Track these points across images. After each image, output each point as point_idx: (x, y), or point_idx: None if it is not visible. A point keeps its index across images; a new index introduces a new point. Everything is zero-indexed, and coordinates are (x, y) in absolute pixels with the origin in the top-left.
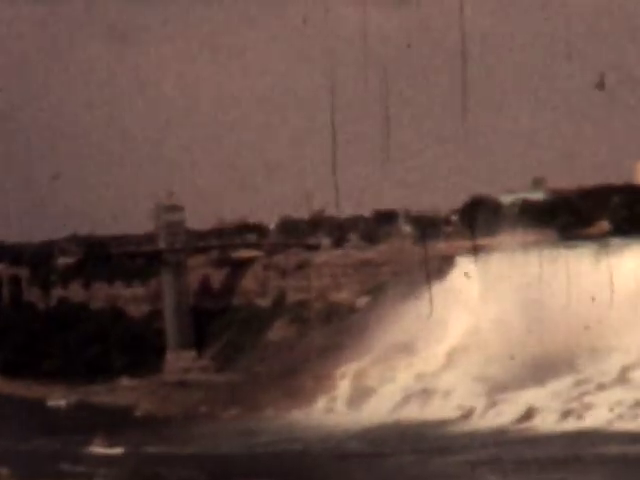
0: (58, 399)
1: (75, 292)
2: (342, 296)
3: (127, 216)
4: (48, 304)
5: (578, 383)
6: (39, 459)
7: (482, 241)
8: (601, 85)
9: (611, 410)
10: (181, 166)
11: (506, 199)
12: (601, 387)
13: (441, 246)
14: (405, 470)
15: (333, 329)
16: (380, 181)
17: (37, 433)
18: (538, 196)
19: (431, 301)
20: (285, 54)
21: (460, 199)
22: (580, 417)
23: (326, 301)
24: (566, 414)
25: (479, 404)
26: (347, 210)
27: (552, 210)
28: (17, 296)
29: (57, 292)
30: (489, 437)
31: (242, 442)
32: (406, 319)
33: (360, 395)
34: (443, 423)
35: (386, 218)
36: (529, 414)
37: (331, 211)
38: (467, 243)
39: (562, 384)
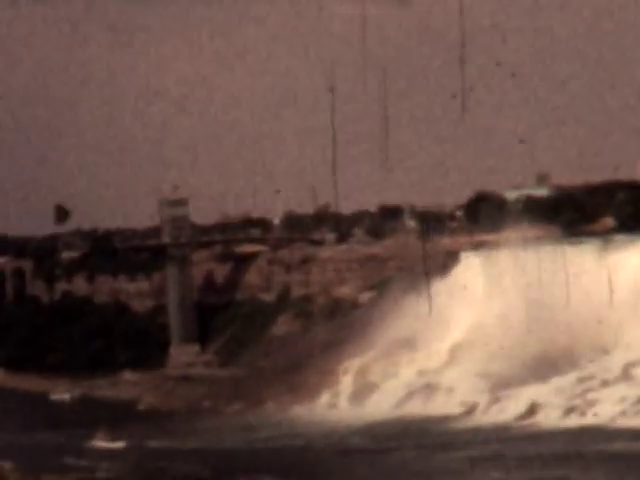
0: (62, 393)
1: (79, 286)
2: (346, 291)
3: (131, 210)
4: (52, 298)
5: (581, 380)
6: (42, 453)
7: (486, 237)
8: None
9: (615, 406)
10: (185, 161)
11: (510, 195)
12: (605, 384)
13: (445, 241)
14: (408, 466)
15: (337, 324)
16: (379, 179)
17: (40, 427)
18: (542, 192)
19: (430, 299)
20: (286, 53)
21: (458, 197)
22: (583, 414)
23: (330, 296)
24: (569, 410)
25: (482, 400)
26: (346, 208)
27: (556, 206)
28: (21, 290)
29: (61, 286)
30: (492, 433)
31: (245, 437)
32: (410, 315)
33: (363, 391)
34: (446, 419)
35: (391, 213)
36: (532, 410)
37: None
38: (471, 239)
39: (565, 380)
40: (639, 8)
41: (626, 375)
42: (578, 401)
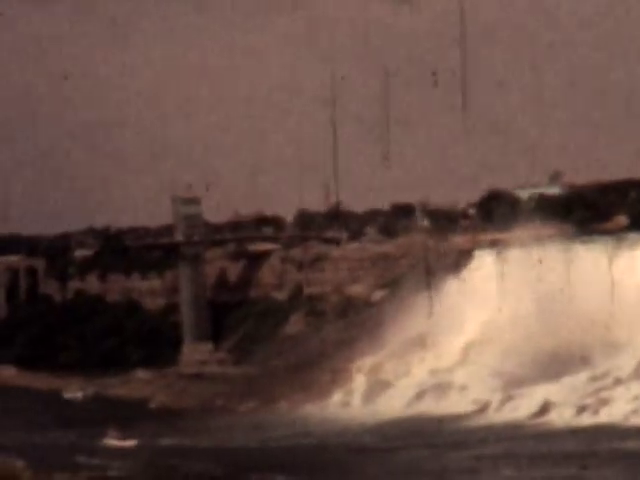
0: (74, 391)
1: (92, 284)
2: (358, 290)
3: (144, 208)
4: (65, 296)
5: (594, 378)
6: (55, 451)
7: (499, 235)
8: None
9: (628, 405)
10: (198, 159)
11: (523, 193)
12: (617, 382)
13: (458, 240)
14: (420, 464)
15: (349, 323)
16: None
17: (53, 425)
18: (555, 190)
19: (442, 297)
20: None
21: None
22: (596, 412)
23: (342, 295)
24: (582, 409)
25: (494, 399)
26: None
27: (569, 205)
28: (34, 288)
29: (74, 284)
30: (504, 432)
31: (257, 435)
32: (422, 313)
33: (375, 389)
34: (458, 417)
35: (403, 212)
36: (545, 409)
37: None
38: (484, 237)
39: (578, 379)
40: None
41: (639, 373)
42: (591, 399)
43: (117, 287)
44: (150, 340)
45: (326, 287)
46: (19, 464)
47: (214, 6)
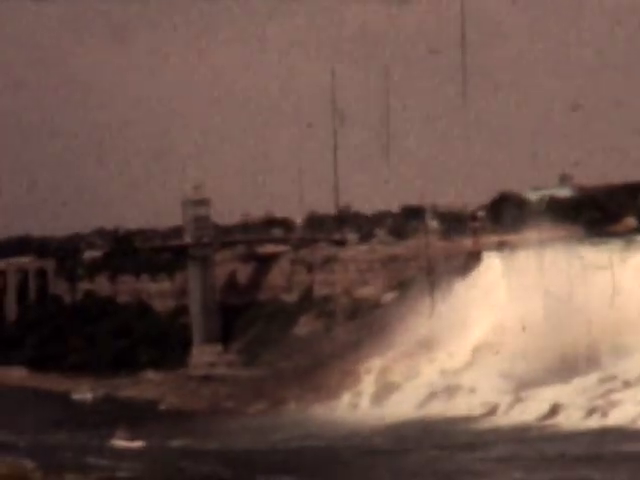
0: (84, 393)
1: (101, 286)
2: (368, 291)
3: (153, 210)
4: (74, 298)
5: (603, 381)
6: (64, 452)
7: (508, 237)
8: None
9: (637, 407)
10: (207, 161)
11: (533, 195)
12: (626, 384)
13: (467, 242)
14: (429, 466)
15: (358, 324)
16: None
17: (63, 427)
18: (565, 193)
19: (451, 299)
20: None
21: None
22: (605, 414)
23: (352, 296)
24: (591, 411)
25: (504, 401)
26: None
27: (579, 207)
28: (43, 289)
29: (83, 286)
30: (513, 434)
31: (266, 437)
32: (432, 315)
33: (384, 391)
34: (467, 420)
35: (413, 214)
36: (554, 411)
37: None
38: (494, 239)
39: (587, 381)
40: None
41: None
42: (600, 402)
43: (127, 289)
44: (160, 342)
45: (335, 289)
46: (29, 464)
47: (216, 8)
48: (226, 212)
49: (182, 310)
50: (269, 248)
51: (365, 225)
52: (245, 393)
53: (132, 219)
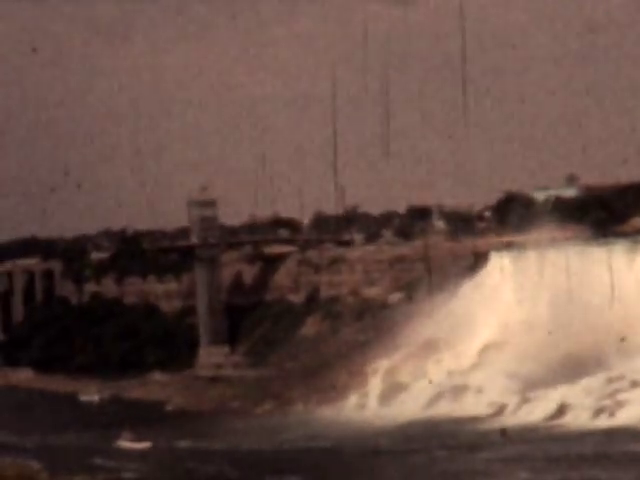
0: (91, 394)
1: (108, 287)
2: (375, 292)
3: (160, 211)
4: (81, 299)
5: (610, 380)
6: (71, 454)
7: (515, 237)
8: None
9: None
10: (213, 162)
11: (539, 195)
12: (634, 384)
13: (474, 242)
14: (436, 467)
15: (365, 325)
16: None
17: (70, 428)
18: (571, 193)
19: (458, 299)
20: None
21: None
22: (612, 414)
23: (359, 297)
24: (598, 411)
25: (511, 401)
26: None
27: (585, 207)
28: (50, 291)
29: (90, 287)
30: (521, 434)
31: (273, 438)
32: (438, 315)
33: (392, 391)
34: (475, 420)
35: (420, 214)
36: (561, 411)
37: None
38: (500, 239)
39: (594, 381)
40: None
41: None
42: (607, 402)
43: (133, 290)
44: (166, 343)
45: (342, 289)
46: (36, 466)
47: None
48: (233, 213)
49: (189, 311)
50: (276, 249)
51: (372, 226)
52: (252, 394)
53: (139, 220)
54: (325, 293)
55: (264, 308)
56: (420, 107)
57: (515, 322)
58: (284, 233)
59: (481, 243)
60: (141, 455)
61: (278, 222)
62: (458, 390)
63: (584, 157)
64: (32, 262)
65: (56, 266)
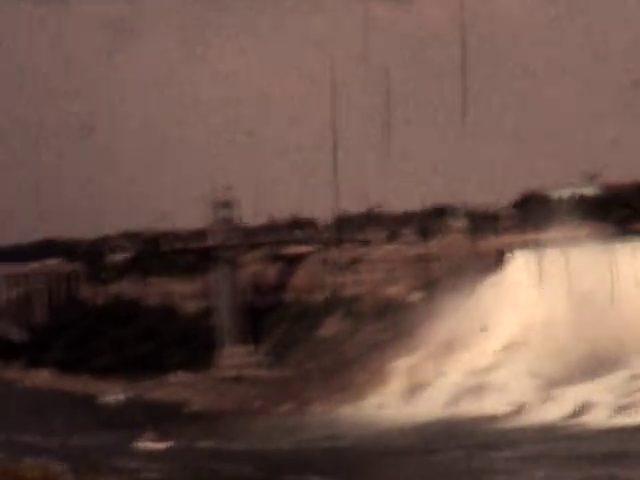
0: (112, 395)
1: (129, 288)
2: (395, 291)
3: (180, 212)
4: (102, 300)
5: (631, 379)
6: (93, 454)
7: (536, 236)
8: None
9: None
10: (234, 162)
11: (560, 194)
12: None
13: (495, 241)
14: (455, 466)
15: (386, 324)
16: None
17: (91, 429)
18: (592, 190)
19: (479, 298)
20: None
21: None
22: (633, 413)
23: (379, 296)
24: (619, 410)
25: (531, 399)
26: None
27: (606, 205)
28: (71, 292)
29: (111, 288)
30: (541, 432)
31: (294, 437)
32: (459, 314)
33: (412, 390)
34: (495, 419)
35: (440, 213)
36: (582, 409)
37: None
38: (521, 238)
39: (615, 379)
40: None
41: None
42: (628, 400)
43: (154, 291)
44: (187, 343)
45: (362, 289)
46: (61, 467)
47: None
48: (253, 213)
49: (209, 312)
50: (295, 249)
51: (392, 225)
52: (272, 394)
53: (159, 221)
54: (345, 293)
55: (284, 308)
56: (433, 105)
57: (536, 321)
58: (304, 233)
59: (502, 242)
60: (163, 455)
61: (297, 222)
62: (478, 389)
63: (605, 155)
64: (54, 263)
65: (78, 268)
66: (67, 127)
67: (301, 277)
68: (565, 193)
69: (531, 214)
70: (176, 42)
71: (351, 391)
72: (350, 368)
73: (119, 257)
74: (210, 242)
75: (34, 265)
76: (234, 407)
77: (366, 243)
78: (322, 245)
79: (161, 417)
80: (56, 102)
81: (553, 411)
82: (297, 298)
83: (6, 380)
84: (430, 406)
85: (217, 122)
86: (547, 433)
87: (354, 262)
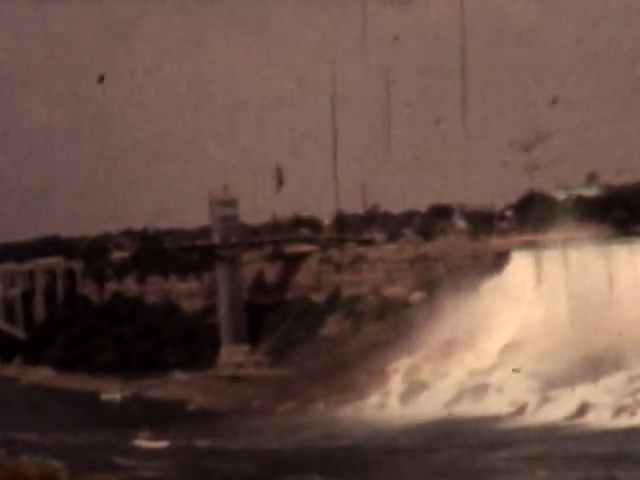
0: (112, 393)
1: (129, 286)
2: (396, 291)
3: (181, 210)
4: (102, 298)
5: (631, 379)
6: (91, 452)
7: (536, 237)
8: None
9: None
10: (234, 161)
11: (560, 195)
12: None
13: (495, 242)
14: (456, 465)
15: (387, 324)
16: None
17: (91, 427)
18: (592, 192)
19: (479, 299)
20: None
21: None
22: (633, 413)
23: (380, 296)
24: (619, 410)
25: (532, 400)
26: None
27: (606, 206)
28: (71, 290)
29: (111, 286)
30: (541, 433)
31: (294, 437)
32: (459, 315)
33: (413, 390)
34: (496, 419)
35: (441, 213)
36: (582, 410)
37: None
38: (521, 239)
39: (615, 380)
40: None
41: None
42: (628, 401)
43: (155, 289)
44: (188, 342)
45: (363, 289)
46: (57, 465)
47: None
48: (254, 212)
49: (210, 310)
50: (297, 248)
51: (393, 225)
52: (273, 393)
53: (160, 219)
54: (346, 292)
55: (285, 307)
56: (433, 105)
57: (536, 321)
58: (305, 232)
59: (502, 242)
60: (161, 454)
61: (299, 221)
62: (479, 389)
63: (604, 156)
64: (54, 261)
65: (78, 265)
66: (68, 127)
67: (303, 276)
68: (565, 194)
69: (531, 215)
70: (176, 43)
71: (352, 391)
72: (351, 368)
73: (120, 255)
74: (211, 240)
75: (34, 263)
76: (234, 406)
77: (367, 243)
78: (324, 244)
79: (160, 415)
80: (56, 102)
81: (554, 412)
82: (299, 297)
83: (5, 377)
84: (431, 406)
85: (218, 122)
86: (548, 433)
87: (355, 262)
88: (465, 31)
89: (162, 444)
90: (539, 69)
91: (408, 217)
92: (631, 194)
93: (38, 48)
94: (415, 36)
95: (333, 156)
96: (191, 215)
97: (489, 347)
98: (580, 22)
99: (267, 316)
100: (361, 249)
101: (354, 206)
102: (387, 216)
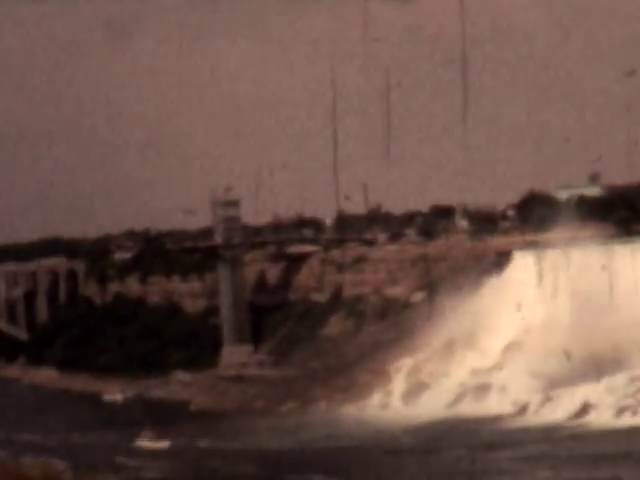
0: (114, 393)
1: (132, 287)
2: (398, 291)
3: (184, 211)
4: (105, 299)
5: (633, 379)
6: (94, 453)
7: (538, 236)
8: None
9: None
10: (237, 162)
11: (562, 194)
12: None
13: (497, 241)
14: (458, 466)
15: (388, 324)
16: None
17: (92, 427)
18: (594, 191)
19: (481, 298)
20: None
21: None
22: (635, 413)
23: (382, 296)
24: (621, 410)
25: (534, 400)
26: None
27: (608, 205)
28: (74, 290)
29: (114, 287)
30: (543, 433)
31: (296, 437)
32: (461, 314)
33: (415, 390)
34: (498, 419)
35: (443, 213)
36: (584, 410)
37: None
38: (523, 238)
39: (617, 380)
40: None
41: None
42: (630, 401)
43: (157, 289)
44: (190, 342)
45: (365, 289)
46: (60, 465)
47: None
48: (256, 213)
49: (212, 310)
50: (299, 248)
51: (395, 225)
52: (275, 393)
53: (162, 220)
54: (348, 292)
55: (287, 307)
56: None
57: (538, 321)
58: (307, 233)
59: (504, 242)
60: (163, 454)
61: (301, 222)
62: (481, 389)
63: (607, 156)
64: (56, 262)
65: (80, 266)
66: (68, 127)
67: (305, 276)
68: (568, 194)
69: (534, 215)
70: (176, 44)
71: (354, 391)
72: (353, 367)
73: (122, 256)
74: (214, 241)
75: (37, 264)
76: (236, 406)
77: (369, 243)
78: (326, 245)
79: (163, 416)
80: (57, 102)
81: (556, 411)
82: (301, 297)
83: (8, 378)
84: (432, 406)
85: (219, 122)
86: (549, 433)
87: (357, 262)
88: (465, 30)
89: (164, 444)
90: (541, 64)
91: (410, 217)
92: (634, 194)
93: (38, 48)
94: (415, 35)
95: (334, 156)
96: (193, 216)
97: (491, 347)
98: (581, 21)
99: (269, 316)
100: (363, 249)
101: (356, 206)
102: (389, 216)
